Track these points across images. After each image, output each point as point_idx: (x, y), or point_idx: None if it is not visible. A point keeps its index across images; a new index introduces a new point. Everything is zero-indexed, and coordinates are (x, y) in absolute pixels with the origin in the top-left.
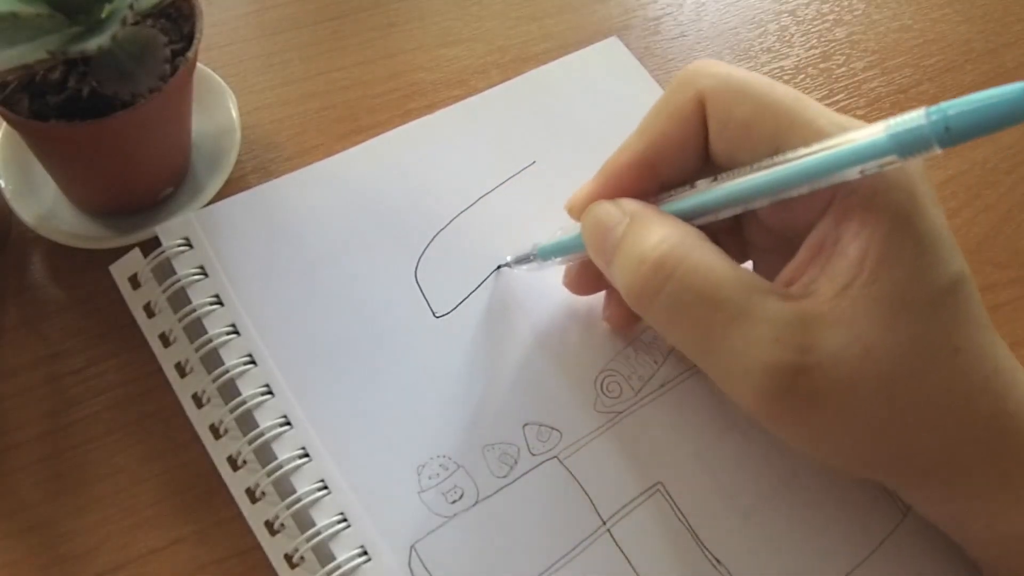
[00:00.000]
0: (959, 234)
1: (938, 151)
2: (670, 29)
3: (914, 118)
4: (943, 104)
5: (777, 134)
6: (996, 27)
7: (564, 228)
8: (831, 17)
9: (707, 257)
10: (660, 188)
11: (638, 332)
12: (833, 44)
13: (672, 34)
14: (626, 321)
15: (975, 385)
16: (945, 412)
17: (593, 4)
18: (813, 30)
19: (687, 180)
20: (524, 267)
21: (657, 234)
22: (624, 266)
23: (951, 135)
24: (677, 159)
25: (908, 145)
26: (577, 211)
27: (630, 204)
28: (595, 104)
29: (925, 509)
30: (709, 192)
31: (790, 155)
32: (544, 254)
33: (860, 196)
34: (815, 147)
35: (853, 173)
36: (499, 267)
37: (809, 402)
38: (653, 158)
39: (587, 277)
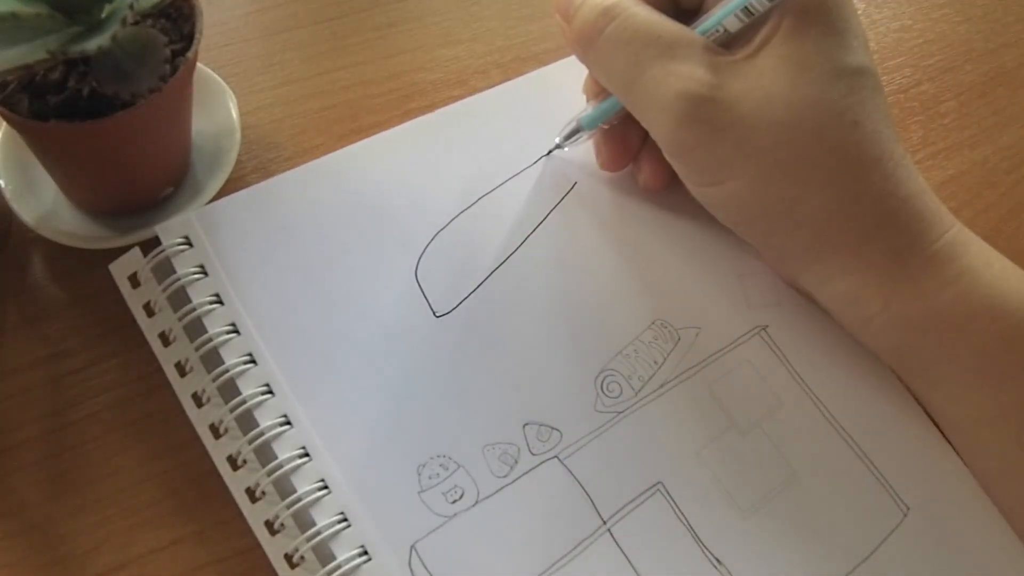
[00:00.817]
0: None
1: None
2: None
3: None
4: None
5: None
6: (996, 27)
7: (593, 101)
8: None
9: (647, 10)
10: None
11: (667, 186)
12: None
13: None
14: (658, 178)
15: (868, 158)
16: (836, 174)
17: None
18: None
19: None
20: (573, 141)
21: None
22: (579, 17)
23: None
24: None
25: None
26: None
27: None
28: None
29: (821, 283)
30: None
31: None
32: (589, 123)
33: None
34: None
35: None
36: (550, 152)
37: (713, 130)
38: None
39: (617, 148)
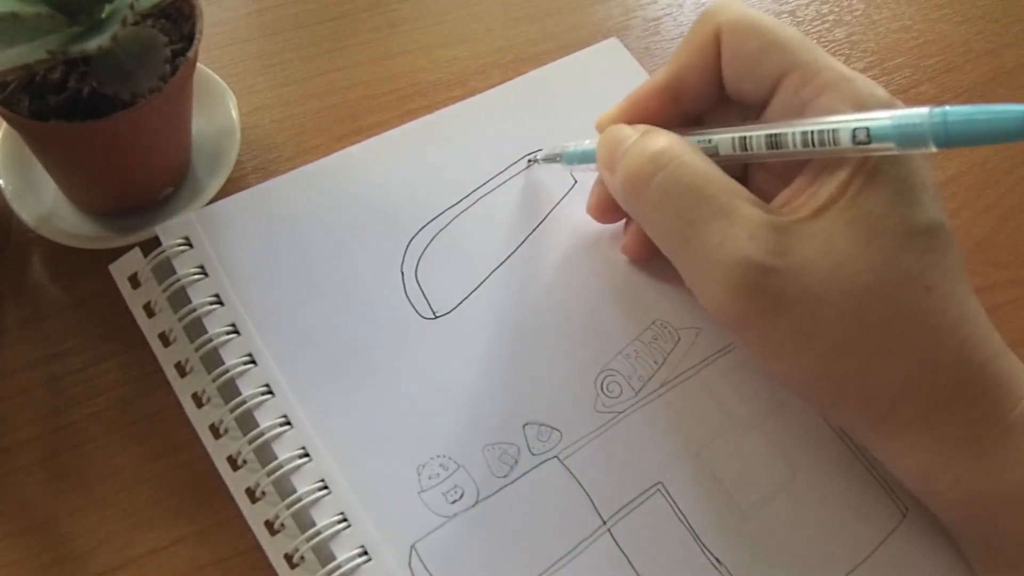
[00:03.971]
0: (959, 234)
1: (933, 150)
2: (670, 30)
3: (918, 114)
4: (947, 107)
5: (781, 70)
6: (996, 27)
7: (592, 140)
8: (831, 18)
9: (700, 160)
10: (681, 118)
11: (650, 257)
12: (833, 45)
13: (672, 35)
14: (641, 248)
15: (944, 325)
16: (910, 344)
17: (593, 4)
18: (813, 31)
19: (706, 110)
20: (551, 165)
21: (661, 139)
22: (625, 164)
23: (948, 138)
24: (696, 88)
25: (907, 137)
26: (603, 129)
27: (644, 127)
28: (594, 104)
29: (892, 460)
30: (718, 134)
31: (796, 123)
32: (569, 159)
33: None
34: (821, 120)
35: (849, 150)
36: (529, 161)
37: (775, 304)
38: (675, 87)
39: (609, 202)
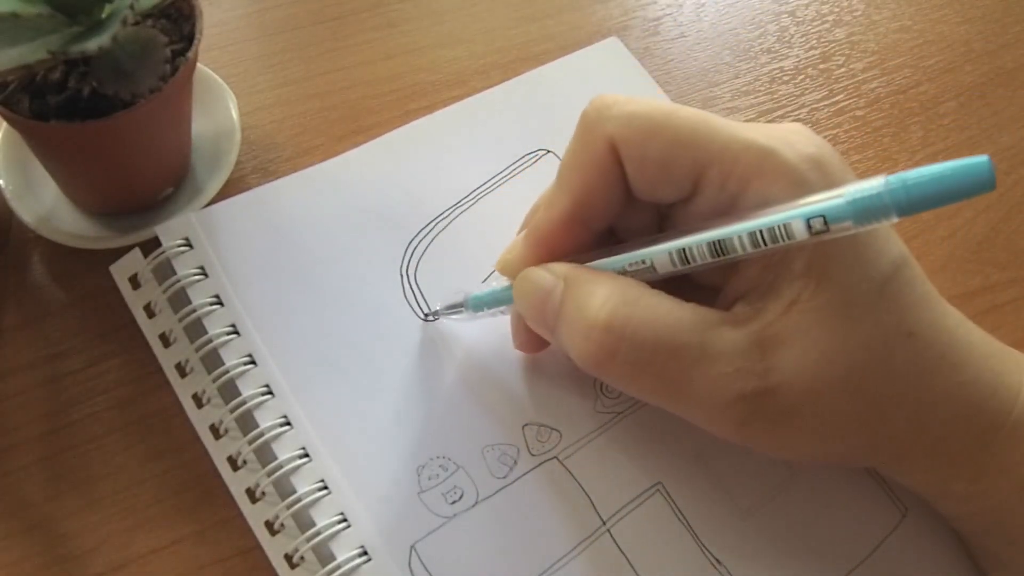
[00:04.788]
0: (959, 235)
1: (895, 220)
2: (670, 30)
3: (873, 186)
4: (902, 174)
5: (696, 168)
6: (996, 28)
7: (496, 278)
8: (831, 18)
9: (653, 308)
10: (592, 237)
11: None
12: (833, 45)
13: (672, 35)
14: (538, 345)
15: (932, 364)
16: (908, 396)
17: (593, 4)
18: (813, 31)
19: (616, 220)
20: (454, 317)
21: (598, 295)
22: (571, 334)
23: (911, 204)
24: (604, 208)
25: (866, 213)
26: (510, 273)
27: (561, 267)
28: None
29: (908, 482)
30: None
31: (737, 223)
32: (476, 305)
33: None
34: (765, 214)
35: (805, 241)
36: (427, 317)
37: (779, 419)
38: (580, 213)
39: (535, 335)
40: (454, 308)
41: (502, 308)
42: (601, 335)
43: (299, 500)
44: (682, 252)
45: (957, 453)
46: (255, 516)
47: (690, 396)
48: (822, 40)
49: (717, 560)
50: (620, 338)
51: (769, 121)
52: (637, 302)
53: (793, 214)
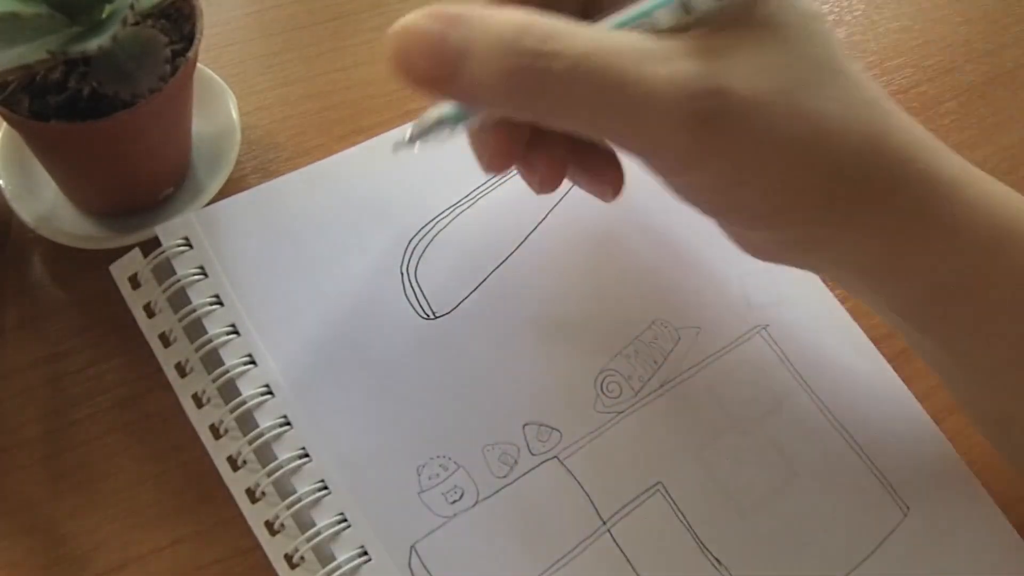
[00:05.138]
0: None
1: None
2: None
3: None
4: None
5: None
6: (996, 28)
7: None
8: (831, 18)
9: (572, 23)
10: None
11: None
12: None
13: None
14: (559, 175)
15: (864, 104)
16: (844, 127)
17: None
18: None
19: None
20: (429, 138)
21: (507, 18)
22: (484, 62)
23: None
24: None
25: None
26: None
27: (446, 9)
28: None
29: (845, 260)
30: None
31: None
32: (456, 116)
33: None
34: None
35: None
36: (396, 148)
37: (736, 121)
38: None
39: (503, 143)
40: (430, 131)
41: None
42: (523, 53)
43: (299, 500)
44: None
45: (905, 204)
46: (255, 516)
47: (638, 102)
48: None
49: (717, 560)
50: (552, 58)
51: None
52: (554, 19)
53: None
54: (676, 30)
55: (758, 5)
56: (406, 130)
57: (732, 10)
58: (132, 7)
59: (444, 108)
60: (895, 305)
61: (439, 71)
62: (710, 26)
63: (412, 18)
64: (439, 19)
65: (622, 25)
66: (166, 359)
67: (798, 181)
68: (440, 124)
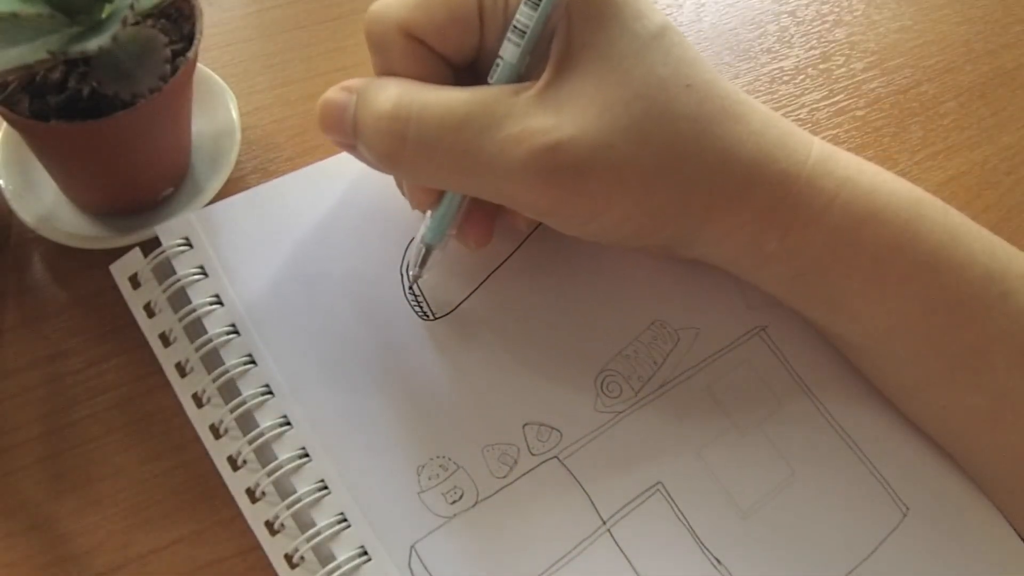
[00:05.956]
0: None
1: None
2: None
3: None
4: None
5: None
6: (996, 28)
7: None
8: (831, 18)
9: (437, 92)
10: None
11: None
12: (833, 45)
13: None
14: (488, 235)
15: (714, 114)
16: (698, 143)
17: None
18: (813, 31)
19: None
20: (431, 266)
21: (386, 91)
22: (365, 134)
23: None
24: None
25: None
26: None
27: (355, 82)
28: None
29: (718, 247)
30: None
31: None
32: (436, 237)
33: None
34: None
35: None
36: (411, 287)
37: (577, 171)
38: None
39: (482, 225)
40: (427, 259)
41: (458, 219)
42: (389, 123)
43: (299, 500)
44: (515, 25)
45: (759, 204)
46: (255, 516)
47: (485, 164)
48: (822, 40)
49: (717, 560)
50: (407, 120)
51: None
52: (422, 89)
53: None
54: (533, 67)
55: (596, 33)
56: (408, 272)
57: (568, 42)
58: (132, 7)
59: (419, 236)
60: (770, 289)
61: (345, 140)
62: (558, 59)
63: (331, 90)
64: (346, 91)
65: (496, 80)
66: (166, 359)
67: (650, 203)
68: (427, 253)
